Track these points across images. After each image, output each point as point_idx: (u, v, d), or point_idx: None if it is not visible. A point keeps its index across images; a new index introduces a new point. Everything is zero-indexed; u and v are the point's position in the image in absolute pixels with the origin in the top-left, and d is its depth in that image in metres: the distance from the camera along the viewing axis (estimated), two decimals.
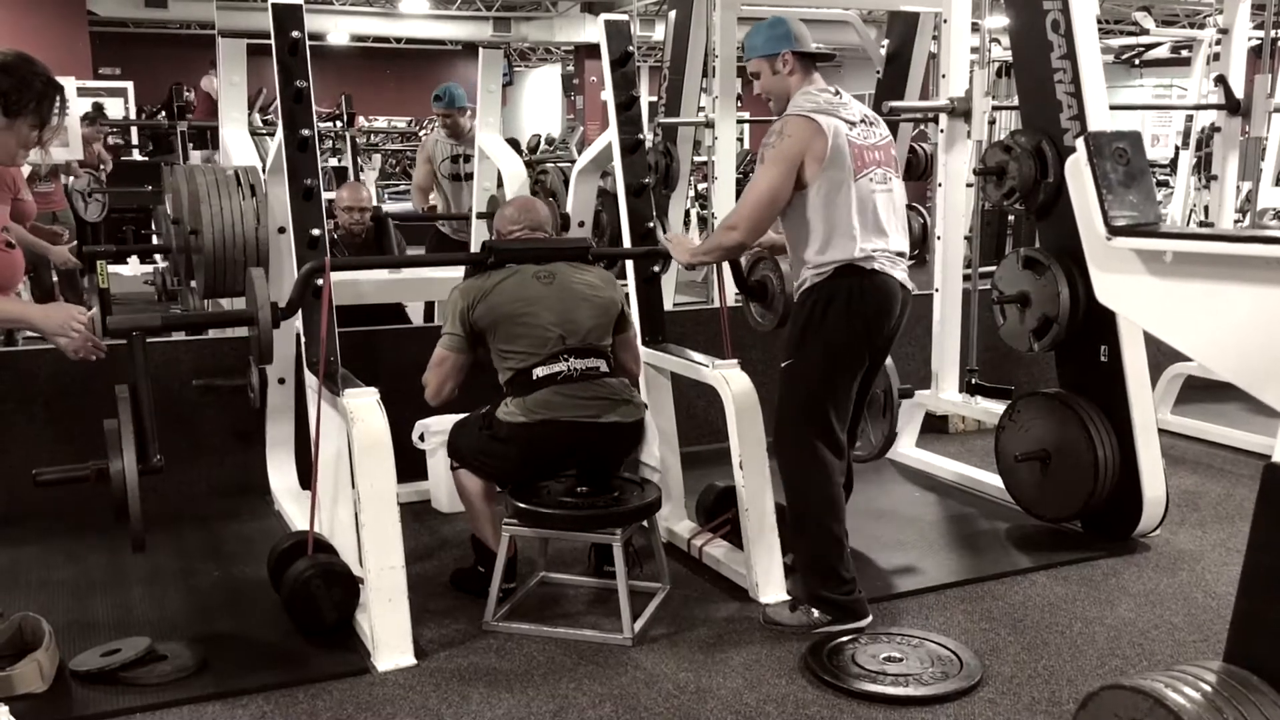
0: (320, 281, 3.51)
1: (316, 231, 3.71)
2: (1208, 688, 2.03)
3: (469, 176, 6.67)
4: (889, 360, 3.56)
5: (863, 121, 3.40)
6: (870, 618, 3.38)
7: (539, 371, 3.38)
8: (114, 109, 13.87)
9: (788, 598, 3.55)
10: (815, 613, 3.36)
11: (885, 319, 3.38)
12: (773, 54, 3.42)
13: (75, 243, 6.34)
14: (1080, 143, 2.62)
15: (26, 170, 7.04)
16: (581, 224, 4.84)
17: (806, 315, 3.37)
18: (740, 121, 8.54)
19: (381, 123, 18.60)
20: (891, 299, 3.37)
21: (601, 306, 3.52)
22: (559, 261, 3.56)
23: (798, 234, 3.39)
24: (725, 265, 3.88)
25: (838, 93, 3.42)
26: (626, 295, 3.77)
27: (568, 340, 3.41)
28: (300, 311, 3.64)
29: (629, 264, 4.14)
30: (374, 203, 6.27)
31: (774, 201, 3.33)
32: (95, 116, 9.82)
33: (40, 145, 2.70)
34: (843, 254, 3.31)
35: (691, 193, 9.51)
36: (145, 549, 2.97)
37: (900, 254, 3.42)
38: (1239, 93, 5.94)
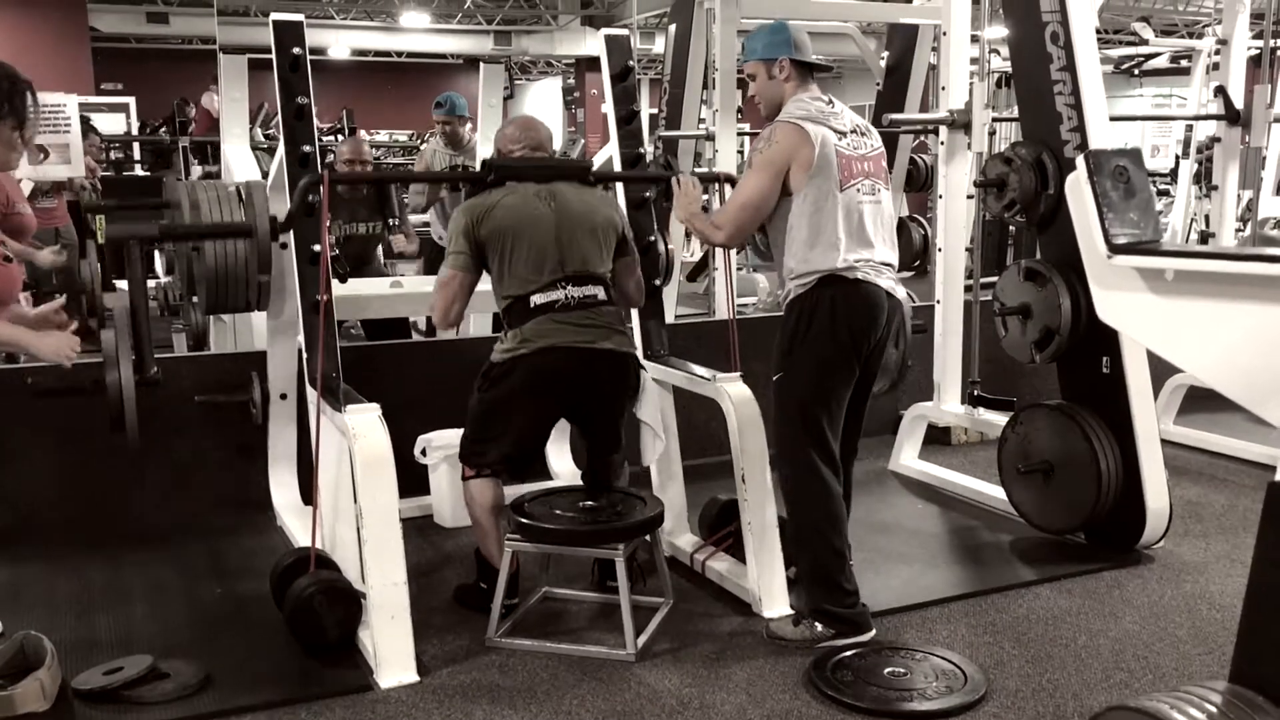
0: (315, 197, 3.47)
1: (318, 247, 3.71)
2: (1213, 709, 2.01)
3: None
4: (902, 292, 3.51)
5: (854, 132, 3.40)
6: (874, 631, 3.38)
7: (536, 299, 3.40)
8: (115, 124, 13.90)
9: (791, 611, 3.55)
10: (819, 626, 3.35)
11: (870, 328, 3.36)
12: (770, 59, 3.42)
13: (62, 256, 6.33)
14: (1080, 161, 2.63)
15: (28, 188, 7.05)
16: None
17: (793, 327, 3.37)
18: (741, 134, 8.55)
19: (383, 136, 18.63)
20: (877, 308, 3.36)
21: (601, 228, 3.53)
22: (559, 182, 3.55)
23: (782, 242, 3.39)
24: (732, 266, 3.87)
25: (830, 101, 3.42)
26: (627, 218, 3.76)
27: (566, 267, 3.43)
28: (303, 328, 3.64)
29: None
30: (373, 159, 6.22)
31: (759, 206, 3.35)
32: (86, 131, 9.86)
33: (24, 144, 2.69)
34: (826, 264, 3.31)
35: None
36: (139, 445, 2.91)
37: (886, 264, 3.42)
38: (1239, 103, 5.95)
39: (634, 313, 4.06)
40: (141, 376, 2.93)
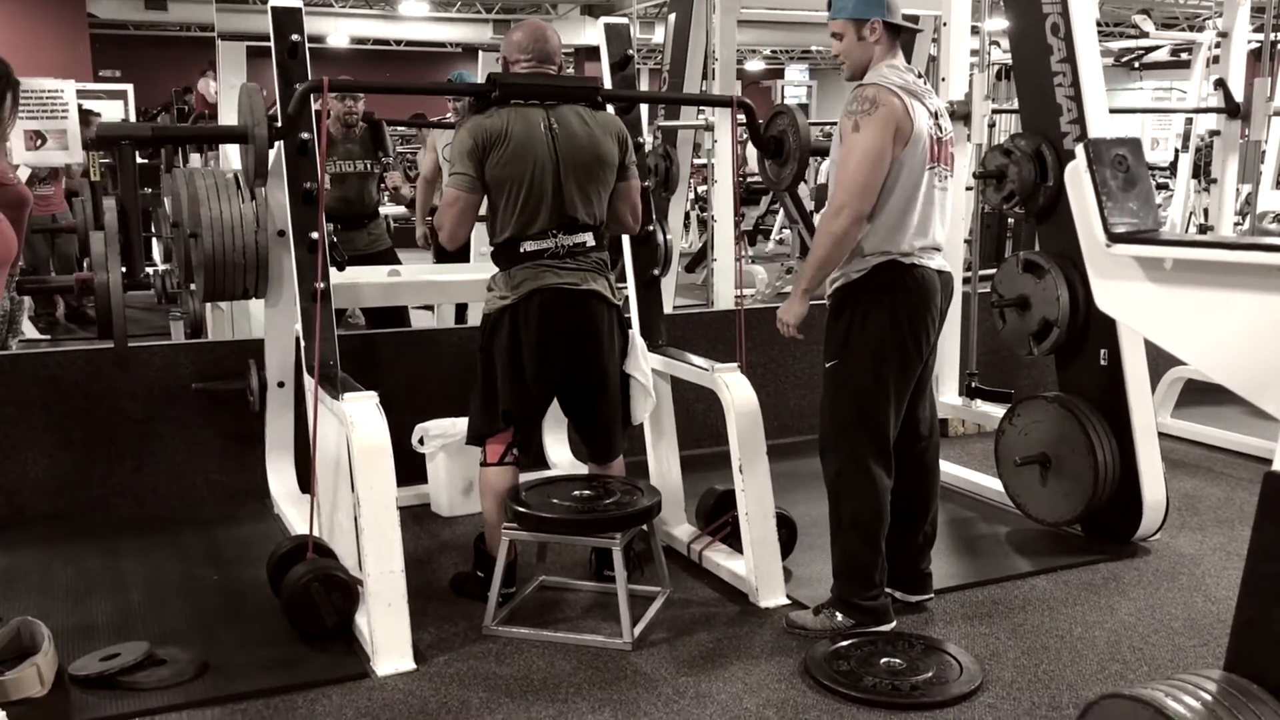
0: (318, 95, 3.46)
1: (315, 235, 3.71)
2: (1208, 697, 2.02)
3: None
4: (947, 266, 3.42)
5: (939, 114, 3.29)
6: (895, 623, 3.37)
7: (527, 246, 3.41)
8: (114, 111, 13.85)
9: (788, 601, 3.55)
10: (839, 616, 3.34)
11: (928, 313, 3.29)
12: (863, 19, 3.22)
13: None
14: (1080, 150, 2.63)
15: (25, 173, 7.03)
16: None
17: (849, 315, 3.28)
18: (740, 124, 8.53)
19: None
20: (931, 291, 3.29)
21: (602, 163, 3.46)
22: (565, 106, 3.46)
23: None
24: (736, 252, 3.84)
25: (921, 76, 3.30)
26: (631, 140, 3.63)
27: (561, 213, 3.41)
28: (300, 316, 3.64)
29: (629, 266, 4.13)
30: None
31: (880, 161, 3.12)
32: (86, 120, 9.85)
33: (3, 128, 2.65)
34: (891, 247, 3.21)
35: (691, 195, 9.50)
36: (129, 367, 2.89)
37: (938, 248, 3.34)
38: (1239, 96, 5.94)
39: (633, 303, 4.06)
40: (131, 279, 2.89)
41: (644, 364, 3.72)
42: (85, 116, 5.96)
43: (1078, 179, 2.57)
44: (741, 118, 4.06)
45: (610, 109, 3.66)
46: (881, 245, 3.23)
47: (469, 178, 3.37)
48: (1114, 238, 2.50)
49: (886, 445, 3.34)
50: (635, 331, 3.74)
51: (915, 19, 3.46)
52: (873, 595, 3.35)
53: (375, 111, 5.83)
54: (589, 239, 3.48)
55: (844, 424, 3.33)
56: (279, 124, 3.51)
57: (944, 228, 3.36)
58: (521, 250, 3.41)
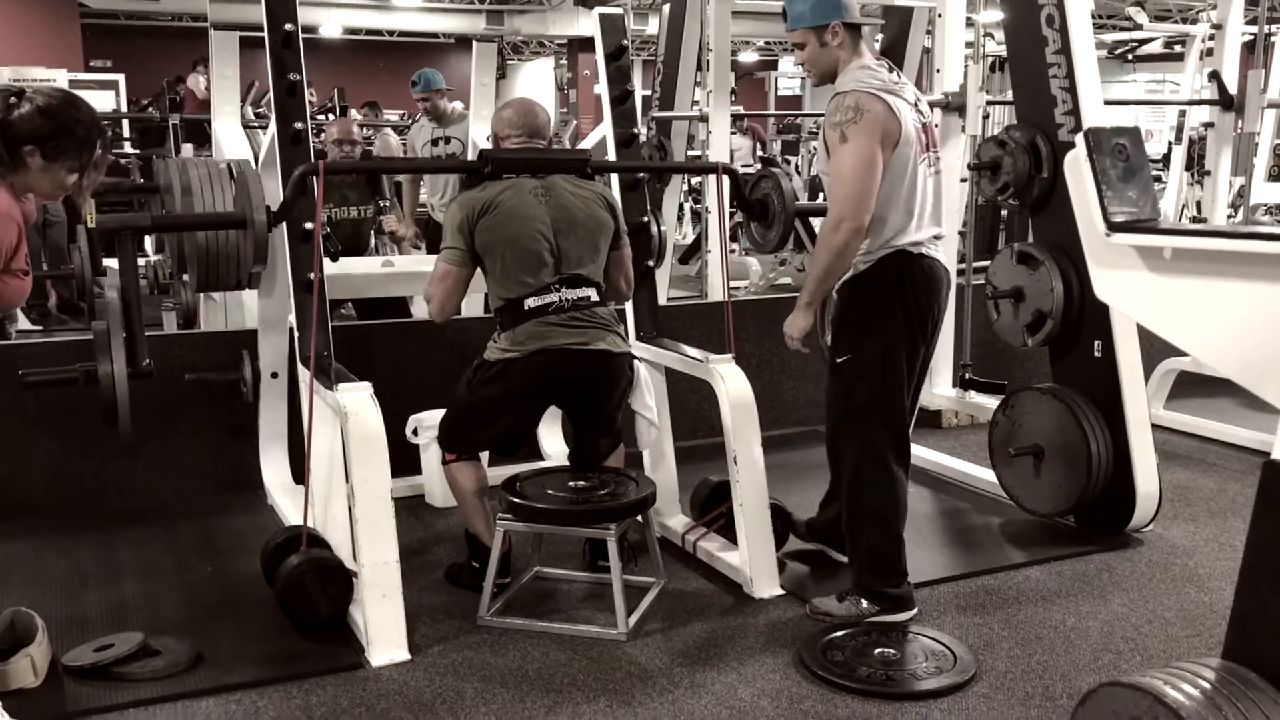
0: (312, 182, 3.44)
1: (309, 225, 3.70)
2: (1207, 685, 2.03)
3: (451, 157, 6.63)
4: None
5: (917, 103, 3.30)
6: (917, 609, 3.39)
7: (530, 303, 3.38)
8: (105, 101, 13.78)
9: (782, 592, 3.56)
10: (864, 603, 3.35)
11: (935, 302, 3.32)
12: (822, 25, 3.23)
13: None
14: (1080, 138, 2.62)
15: None
16: None
17: (860, 307, 3.29)
18: (734, 116, 8.53)
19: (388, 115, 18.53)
20: (939, 281, 3.32)
21: (597, 227, 3.49)
22: (556, 175, 3.50)
23: None
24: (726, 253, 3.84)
25: (893, 69, 3.31)
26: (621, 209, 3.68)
27: (561, 269, 3.41)
28: (294, 305, 3.63)
29: None
30: (363, 138, 6.16)
31: (873, 168, 3.10)
32: None
33: (70, 189, 2.65)
34: (895, 240, 3.22)
35: (685, 187, 9.50)
36: (134, 450, 2.91)
37: (940, 237, 3.36)
38: (1232, 88, 5.95)
39: (629, 251, 4.04)
40: (134, 368, 2.92)
41: (649, 398, 3.76)
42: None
43: (1077, 168, 2.56)
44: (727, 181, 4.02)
45: (600, 179, 3.70)
46: (887, 238, 3.23)
47: (459, 251, 3.40)
48: (1113, 227, 2.49)
49: (904, 434, 3.37)
50: (641, 366, 3.73)
51: (882, 11, 3.46)
52: (896, 583, 3.36)
53: (364, 109, 5.79)
54: (592, 294, 3.47)
55: (860, 416, 3.32)
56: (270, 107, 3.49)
57: (943, 212, 3.38)
58: (525, 308, 3.38)
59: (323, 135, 6.49)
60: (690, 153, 7.89)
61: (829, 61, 3.28)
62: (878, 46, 6.54)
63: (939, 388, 5.09)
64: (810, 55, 3.29)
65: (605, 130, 4.27)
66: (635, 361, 3.68)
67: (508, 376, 3.40)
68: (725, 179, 3.88)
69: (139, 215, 3.15)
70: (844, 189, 3.14)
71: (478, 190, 3.44)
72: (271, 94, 3.81)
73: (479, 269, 3.44)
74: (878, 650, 3.15)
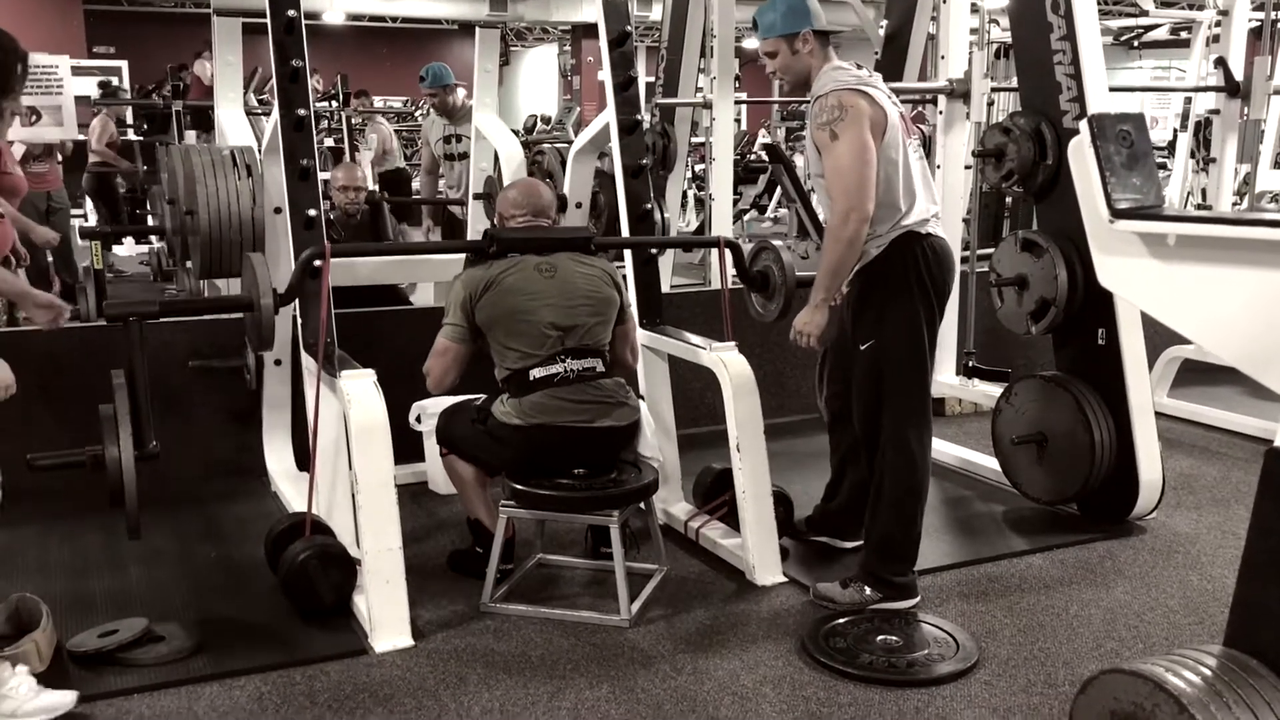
0: (319, 264, 3.48)
1: (313, 212, 3.70)
2: (1208, 672, 2.03)
3: (463, 156, 6.65)
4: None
5: (889, 94, 3.35)
6: (920, 597, 3.41)
7: (536, 373, 3.37)
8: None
9: (785, 579, 3.56)
10: (868, 590, 3.36)
11: (949, 279, 3.37)
12: (792, 33, 3.30)
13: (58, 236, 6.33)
14: (1084, 125, 2.62)
15: (20, 150, 7.00)
16: (579, 205, 4.83)
17: (880, 292, 3.31)
18: (738, 102, 8.51)
19: (378, 102, 18.51)
20: (949, 258, 3.36)
21: (602, 302, 3.50)
22: (561, 252, 3.52)
23: None
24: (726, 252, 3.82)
25: (860, 66, 3.36)
26: (626, 282, 3.73)
27: (566, 341, 3.40)
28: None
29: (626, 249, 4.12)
30: (370, 184, 6.22)
31: (868, 156, 3.16)
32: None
33: (11, 115, 2.64)
34: (903, 222, 3.26)
35: (689, 174, 9.48)
36: (140, 536, 2.98)
37: (937, 216, 3.40)
38: (1238, 75, 5.92)
39: (631, 282, 4.05)
40: (141, 452, 2.97)
41: (652, 441, 3.76)
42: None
43: (1081, 154, 2.55)
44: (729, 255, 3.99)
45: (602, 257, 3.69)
46: (895, 221, 3.27)
47: (459, 328, 3.42)
48: (1117, 213, 2.49)
49: (928, 414, 3.40)
50: (644, 410, 3.72)
51: (841, 30, 3.52)
52: (903, 571, 3.38)
53: (376, 192, 5.78)
54: (598, 365, 3.46)
55: (888, 401, 3.34)
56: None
57: (935, 190, 3.44)
58: (531, 378, 3.38)
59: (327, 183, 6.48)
60: (694, 139, 7.88)
61: (801, 68, 3.36)
62: (881, 33, 6.52)
63: (943, 375, 5.08)
64: (782, 63, 3.37)
65: (608, 117, 4.26)
66: (640, 412, 3.63)
67: (509, 445, 3.41)
68: (728, 252, 3.87)
69: (146, 302, 3.21)
70: (845, 180, 3.18)
71: (482, 268, 3.45)
72: (274, 81, 3.80)
73: (484, 340, 3.46)
74: (880, 637, 3.15)
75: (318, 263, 3.42)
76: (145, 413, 3.03)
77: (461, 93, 7.00)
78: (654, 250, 4.17)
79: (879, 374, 3.34)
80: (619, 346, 3.63)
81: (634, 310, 3.96)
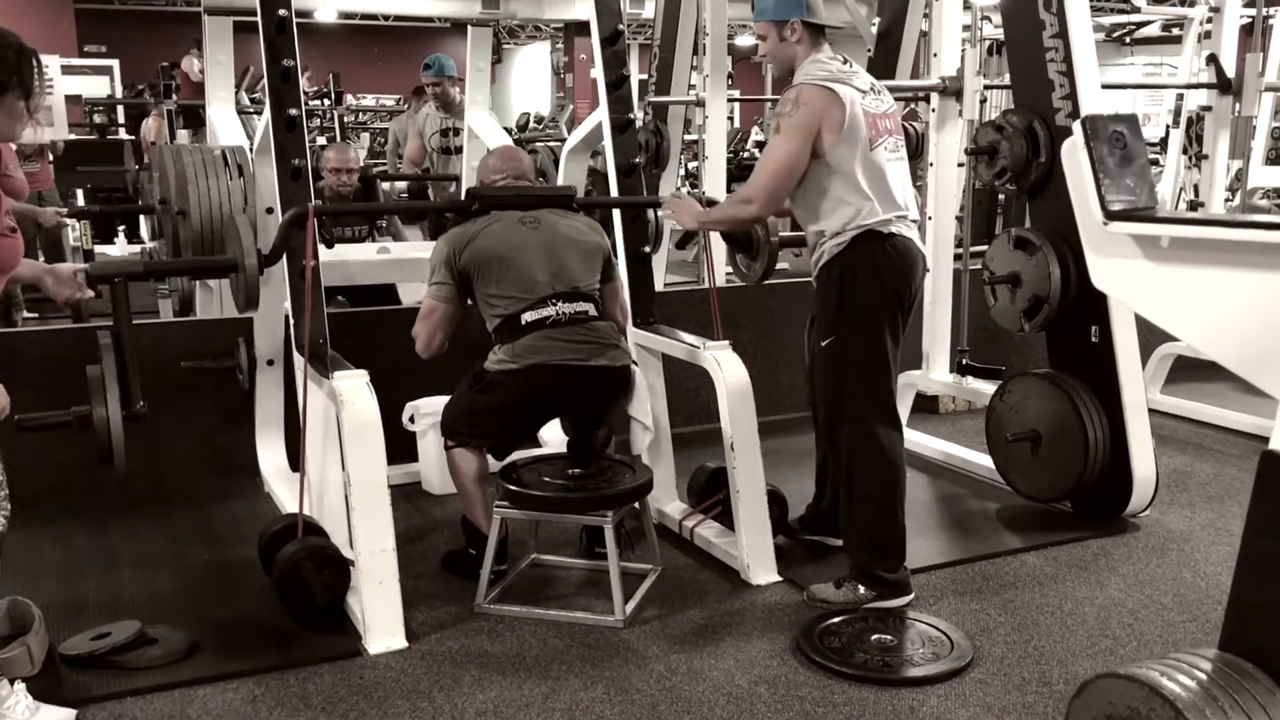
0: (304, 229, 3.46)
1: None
2: (1203, 676, 2.03)
3: (459, 150, 6.63)
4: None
5: (871, 90, 3.35)
6: (914, 594, 3.40)
7: (527, 316, 3.39)
8: (100, 87, 13.72)
9: (779, 578, 3.56)
10: (861, 589, 3.36)
11: (911, 280, 3.35)
12: (782, 20, 3.34)
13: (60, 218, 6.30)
14: (1077, 126, 2.62)
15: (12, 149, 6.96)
16: None
17: (837, 289, 3.32)
18: (731, 100, 8.51)
19: (369, 101, 18.49)
20: (914, 261, 3.35)
21: (588, 250, 3.54)
22: (543, 209, 3.56)
23: (813, 205, 3.33)
24: (714, 235, 3.86)
25: (846, 61, 3.36)
26: (613, 243, 3.77)
27: (556, 285, 3.42)
28: (289, 293, 3.61)
29: (619, 242, 4.11)
30: (360, 164, 6.14)
31: (792, 171, 3.25)
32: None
33: (30, 115, 2.64)
34: (862, 220, 3.26)
35: (682, 171, 9.47)
36: (130, 497, 2.95)
37: (914, 220, 3.41)
38: (1230, 71, 5.93)
39: (624, 280, 4.04)
40: (128, 411, 2.96)
41: (645, 404, 3.77)
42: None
43: (1075, 155, 2.55)
44: None
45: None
46: (854, 220, 3.28)
47: (445, 286, 3.44)
48: (1111, 215, 2.49)
49: (894, 410, 3.39)
50: (639, 373, 3.73)
51: (840, 27, 3.55)
52: (893, 566, 3.37)
53: (360, 95, 5.77)
54: (590, 309, 3.48)
55: (849, 397, 3.35)
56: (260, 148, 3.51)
57: (912, 194, 3.43)
58: (522, 322, 3.40)
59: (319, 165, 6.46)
60: (687, 137, 7.87)
61: (787, 56, 3.39)
62: (874, 30, 6.51)
63: (936, 373, 5.09)
64: (770, 48, 3.41)
65: (601, 115, 4.25)
66: (634, 372, 3.68)
67: (506, 389, 3.41)
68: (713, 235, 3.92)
69: (132, 262, 3.21)
70: (763, 180, 3.31)
71: (465, 226, 3.49)
72: (266, 80, 3.79)
73: (468, 300, 3.47)
74: (874, 636, 3.15)
75: (302, 224, 3.41)
76: (132, 372, 3.02)
77: (460, 88, 6.99)
78: (647, 248, 4.16)
79: (840, 372, 3.36)
80: (609, 303, 3.65)
81: (622, 269, 3.98)
